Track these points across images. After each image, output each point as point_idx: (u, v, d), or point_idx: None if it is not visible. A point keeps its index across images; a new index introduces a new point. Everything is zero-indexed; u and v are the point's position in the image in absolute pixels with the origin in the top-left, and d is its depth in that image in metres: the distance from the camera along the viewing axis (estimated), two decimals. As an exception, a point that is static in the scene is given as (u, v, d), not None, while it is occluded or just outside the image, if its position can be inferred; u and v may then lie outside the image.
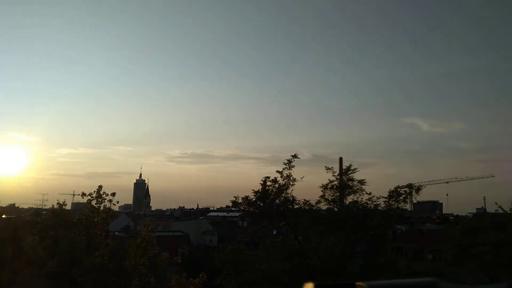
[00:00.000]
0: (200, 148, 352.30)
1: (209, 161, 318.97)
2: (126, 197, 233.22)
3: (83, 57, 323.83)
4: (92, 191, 17.10)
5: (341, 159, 18.66)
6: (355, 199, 17.64)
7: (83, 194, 17.26)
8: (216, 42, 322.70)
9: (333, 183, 17.65)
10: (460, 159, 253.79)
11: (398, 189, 17.67)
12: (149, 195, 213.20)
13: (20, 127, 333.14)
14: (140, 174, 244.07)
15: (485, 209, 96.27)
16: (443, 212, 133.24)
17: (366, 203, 17.44)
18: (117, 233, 38.60)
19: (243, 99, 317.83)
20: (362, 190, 17.50)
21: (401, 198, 17.50)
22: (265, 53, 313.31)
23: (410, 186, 18.13)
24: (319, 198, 17.71)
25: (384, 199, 17.37)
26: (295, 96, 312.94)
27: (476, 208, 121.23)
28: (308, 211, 17.77)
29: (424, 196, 26.78)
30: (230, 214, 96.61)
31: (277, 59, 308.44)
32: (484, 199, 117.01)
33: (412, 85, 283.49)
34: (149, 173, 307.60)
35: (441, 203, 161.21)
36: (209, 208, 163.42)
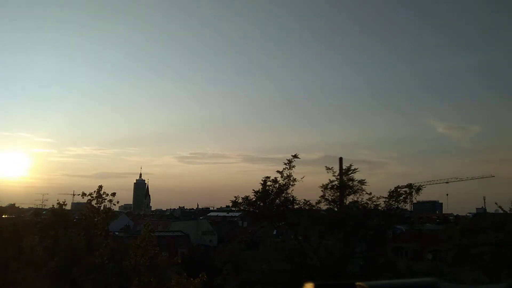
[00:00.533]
0: (212, 148, 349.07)
1: (219, 161, 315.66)
2: (126, 197, 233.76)
3: (93, 58, 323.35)
4: (92, 191, 17.11)
5: (341, 159, 18.67)
6: (355, 199, 17.67)
7: (83, 194, 17.26)
8: (222, 43, 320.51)
9: (333, 183, 17.68)
10: (469, 159, 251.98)
11: (398, 189, 17.71)
12: (149, 195, 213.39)
13: (29, 127, 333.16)
14: (140, 174, 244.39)
15: (485, 209, 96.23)
16: (443, 212, 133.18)
17: (366, 203, 17.46)
18: (117, 233, 38.59)
19: (256, 100, 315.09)
20: (362, 190, 17.54)
21: (401, 198, 17.53)
22: (271, 54, 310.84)
23: (410, 186, 18.16)
24: (319, 198, 17.74)
25: (384, 199, 17.40)
26: (306, 97, 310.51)
27: (476, 208, 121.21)
28: (308, 211, 17.79)
29: (424, 196, 26.74)
30: (230, 214, 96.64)
31: (282, 58, 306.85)
32: (484, 199, 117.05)
33: (416, 82, 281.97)
34: (159, 173, 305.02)
35: (441, 203, 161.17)
36: (209, 208, 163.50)
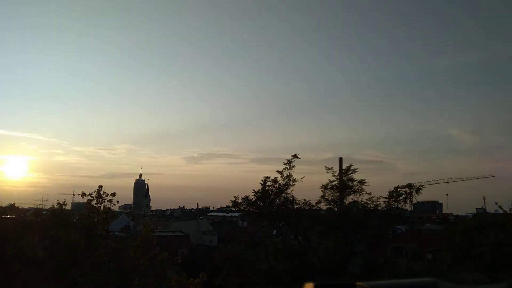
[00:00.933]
0: (221, 149, 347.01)
1: (228, 162, 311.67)
2: (126, 197, 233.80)
3: (100, 58, 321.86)
4: (92, 191, 17.10)
5: (341, 159, 18.67)
6: (355, 199, 17.69)
7: (83, 194, 17.25)
8: (231, 43, 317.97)
9: (333, 183, 17.69)
10: (472, 158, 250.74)
11: (398, 189, 17.72)
12: (149, 195, 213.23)
13: (35, 127, 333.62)
14: (140, 174, 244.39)
15: (485, 209, 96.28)
16: (443, 212, 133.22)
17: (366, 203, 17.47)
18: (117, 233, 38.57)
19: (267, 100, 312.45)
20: (362, 190, 17.55)
21: (401, 198, 17.54)
22: (280, 54, 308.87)
23: (410, 186, 18.18)
24: (319, 198, 17.76)
25: (384, 199, 17.41)
26: (315, 97, 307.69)
27: (476, 208, 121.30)
28: (308, 211, 17.80)
29: (424, 196, 26.73)
30: (230, 214, 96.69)
31: (290, 59, 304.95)
32: (484, 199, 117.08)
33: (420, 81, 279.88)
34: (168, 173, 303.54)
35: (441, 203, 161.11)
36: (209, 208, 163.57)
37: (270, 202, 17.69)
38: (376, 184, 18.87)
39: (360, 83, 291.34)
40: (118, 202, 18.99)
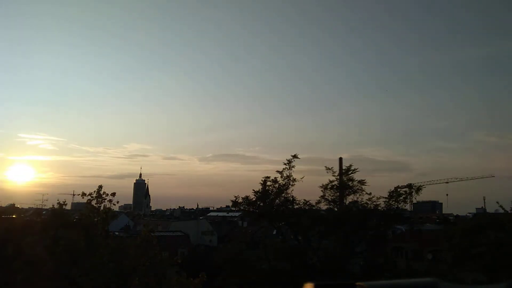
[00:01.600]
0: (235, 149, 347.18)
1: (246, 162, 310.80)
2: (127, 197, 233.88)
3: (111, 57, 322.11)
4: (93, 191, 17.09)
5: (340, 159, 18.67)
6: (355, 199, 17.69)
7: (83, 194, 17.25)
8: (239, 45, 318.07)
9: (333, 183, 17.69)
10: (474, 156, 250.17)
11: (398, 189, 17.72)
12: (149, 195, 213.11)
13: (39, 128, 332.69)
14: (140, 174, 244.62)
15: (485, 209, 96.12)
16: (443, 212, 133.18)
17: (366, 203, 17.48)
18: (117, 233, 38.58)
19: (279, 101, 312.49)
20: (362, 190, 17.56)
21: (401, 198, 17.55)
22: (285, 53, 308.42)
23: (410, 186, 18.18)
24: (319, 198, 17.77)
25: (384, 199, 17.41)
26: (320, 97, 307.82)
27: (476, 208, 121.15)
28: (308, 211, 17.80)
29: (424, 196, 26.76)
30: (230, 214, 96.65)
31: (294, 58, 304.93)
32: (484, 199, 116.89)
33: (422, 76, 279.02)
34: (180, 173, 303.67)
35: (441, 203, 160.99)
36: (209, 208, 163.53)
37: (270, 202, 17.69)
38: (387, 184, 18.92)
39: (367, 82, 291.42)
40: (118, 202, 18.98)
